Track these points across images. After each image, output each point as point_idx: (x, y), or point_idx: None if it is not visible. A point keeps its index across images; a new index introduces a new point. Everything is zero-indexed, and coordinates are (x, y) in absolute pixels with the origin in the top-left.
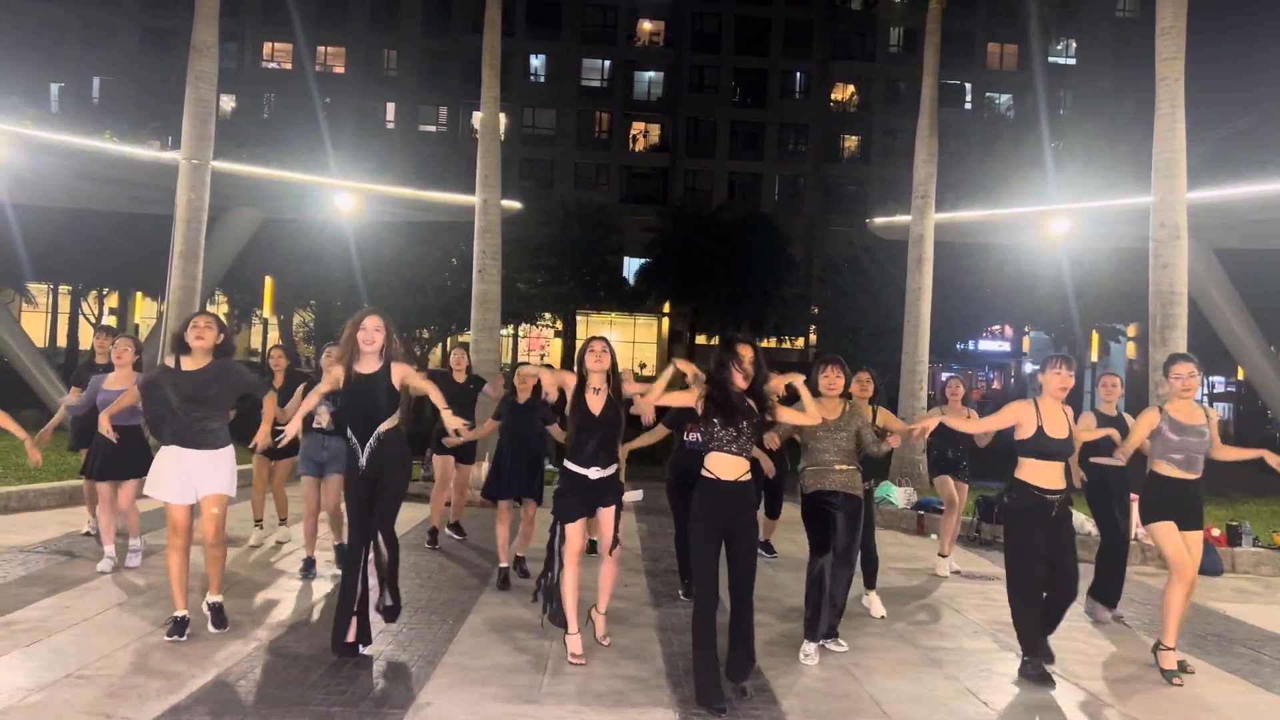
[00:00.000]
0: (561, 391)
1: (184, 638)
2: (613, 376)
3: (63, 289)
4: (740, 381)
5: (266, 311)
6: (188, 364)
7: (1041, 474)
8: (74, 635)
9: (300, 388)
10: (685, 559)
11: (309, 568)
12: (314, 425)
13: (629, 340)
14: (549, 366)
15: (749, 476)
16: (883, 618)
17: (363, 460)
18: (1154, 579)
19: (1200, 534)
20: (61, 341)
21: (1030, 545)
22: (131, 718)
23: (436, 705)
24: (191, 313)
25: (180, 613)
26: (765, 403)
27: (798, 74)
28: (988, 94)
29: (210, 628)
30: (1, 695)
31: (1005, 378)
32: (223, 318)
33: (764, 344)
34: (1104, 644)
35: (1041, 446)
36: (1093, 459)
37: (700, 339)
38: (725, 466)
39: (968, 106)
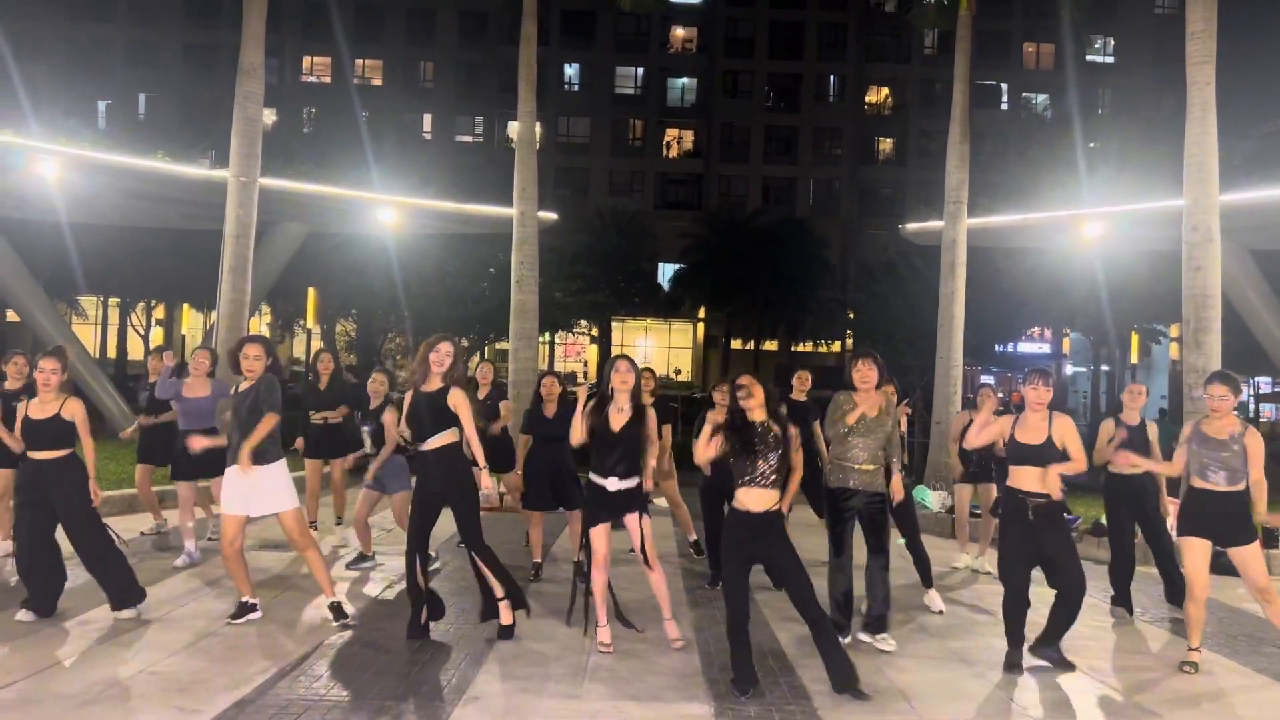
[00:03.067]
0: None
1: (241, 620)
2: (636, 394)
3: (111, 302)
4: (757, 415)
5: (310, 322)
6: (243, 386)
7: (1019, 477)
8: (144, 633)
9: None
10: (715, 551)
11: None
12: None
13: (664, 346)
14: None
15: (779, 506)
16: (941, 612)
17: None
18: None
19: (1249, 548)
20: (111, 353)
21: (1010, 543)
22: (201, 710)
23: (484, 699)
24: (242, 339)
25: (247, 599)
26: (782, 435)
27: (832, 77)
28: (1024, 94)
29: (334, 622)
30: (81, 690)
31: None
32: (267, 336)
33: (799, 348)
34: (1129, 642)
35: (1012, 452)
36: (1112, 469)
37: (736, 344)
38: (754, 499)
39: (1004, 107)
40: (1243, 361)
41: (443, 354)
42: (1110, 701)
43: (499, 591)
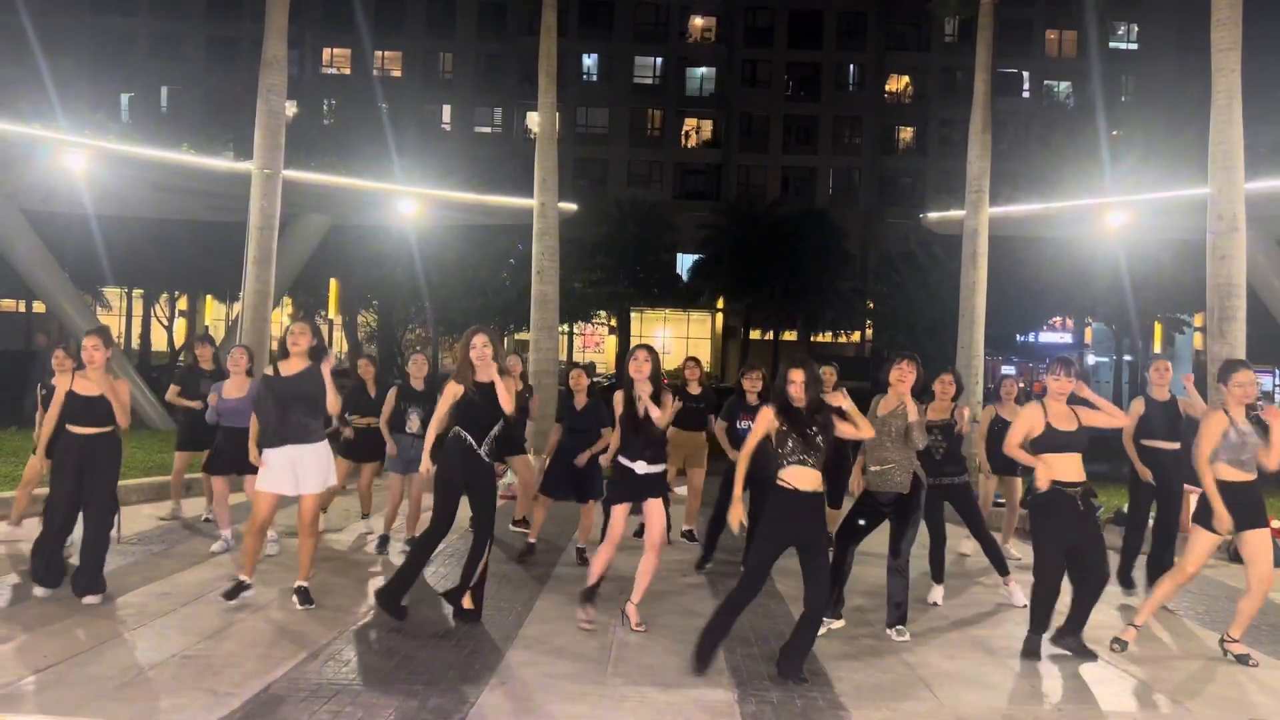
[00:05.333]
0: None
1: (235, 601)
2: (654, 382)
3: (135, 292)
4: (799, 400)
5: (332, 313)
6: (285, 369)
7: (1060, 468)
8: (174, 619)
9: (391, 392)
10: (715, 535)
11: (383, 544)
12: (406, 430)
13: (682, 336)
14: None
15: (823, 488)
16: (935, 604)
17: (483, 450)
18: (1211, 570)
19: (1266, 531)
20: (135, 344)
21: (1049, 534)
22: (232, 694)
23: (509, 685)
24: (291, 324)
25: (244, 578)
26: (826, 418)
27: (851, 66)
28: (1046, 82)
29: (298, 605)
30: (116, 673)
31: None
32: (315, 323)
33: (819, 339)
34: (1149, 630)
35: (1051, 440)
36: (1144, 441)
37: (754, 334)
38: (801, 478)
39: (1026, 95)
40: (1267, 351)
41: (480, 347)
42: (1131, 689)
43: (471, 579)
